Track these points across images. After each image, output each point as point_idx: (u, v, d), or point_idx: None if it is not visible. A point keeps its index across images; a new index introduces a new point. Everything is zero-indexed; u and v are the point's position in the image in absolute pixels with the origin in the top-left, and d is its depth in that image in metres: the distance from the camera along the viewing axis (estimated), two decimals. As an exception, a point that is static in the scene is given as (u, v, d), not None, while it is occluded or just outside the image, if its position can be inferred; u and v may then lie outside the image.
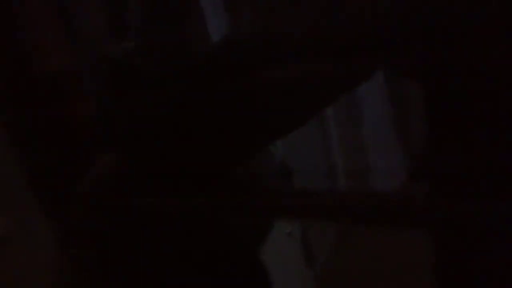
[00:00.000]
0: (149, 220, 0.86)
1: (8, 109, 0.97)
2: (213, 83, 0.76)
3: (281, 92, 0.73)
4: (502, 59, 0.64)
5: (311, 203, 0.75)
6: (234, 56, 0.75)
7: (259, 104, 0.74)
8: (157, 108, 0.82)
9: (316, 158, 2.56)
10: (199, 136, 0.78)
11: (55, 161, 0.97)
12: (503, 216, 0.63)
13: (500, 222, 0.63)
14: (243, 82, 0.73)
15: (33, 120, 0.97)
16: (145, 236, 0.87)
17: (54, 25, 0.97)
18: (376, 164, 2.57)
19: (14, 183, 1.04)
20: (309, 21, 0.70)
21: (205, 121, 0.77)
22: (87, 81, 0.99)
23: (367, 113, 2.58)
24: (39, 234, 1.03)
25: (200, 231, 0.91)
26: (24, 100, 0.96)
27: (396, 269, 2.26)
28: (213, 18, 1.51)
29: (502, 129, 0.65)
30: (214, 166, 0.83)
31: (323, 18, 0.69)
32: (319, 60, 0.69)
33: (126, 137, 0.84)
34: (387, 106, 2.59)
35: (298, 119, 0.78)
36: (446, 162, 0.70)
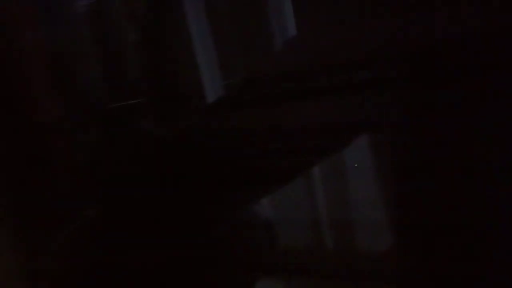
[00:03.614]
0: (128, 270, 0.84)
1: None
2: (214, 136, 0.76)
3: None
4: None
5: (295, 262, 0.74)
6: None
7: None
8: (146, 163, 0.82)
9: (301, 212, 2.53)
10: (189, 189, 0.78)
11: (38, 206, 0.96)
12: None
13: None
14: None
15: (19, 163, 0.96)
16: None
17: (48, 76, 0.98)
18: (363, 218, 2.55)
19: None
20: None
21: (196, 175, 0.77)
22: (78, 132, 0.99)
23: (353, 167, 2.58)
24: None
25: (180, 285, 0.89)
26: (12, 141, 0.95)
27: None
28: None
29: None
30: (198, 219, 0.82)
31: None
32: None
33: (111, 191, 0.84)
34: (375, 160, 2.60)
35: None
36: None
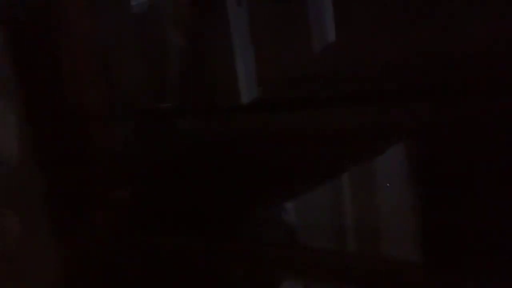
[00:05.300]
0: (154, 257, 0.87)
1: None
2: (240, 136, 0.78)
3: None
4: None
5: (315, 262, 0.75)
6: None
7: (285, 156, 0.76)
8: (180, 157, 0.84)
9: (325, 217, 2.51)
10: (216, 186, 0.80)
11: (72, 188, 0.99)
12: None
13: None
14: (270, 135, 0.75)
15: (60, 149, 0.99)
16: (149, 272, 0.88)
17: (96, 71, 1.01)
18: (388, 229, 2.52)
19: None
20: None
21: (223, 171, 0.79)
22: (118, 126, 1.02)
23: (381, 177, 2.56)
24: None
25: (200, 278, 0.91)
26: (57, 131, 0.99)
27: None
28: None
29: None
30: (223, 211, 0.83)
31: None
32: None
33: (144, 177, 0.86)
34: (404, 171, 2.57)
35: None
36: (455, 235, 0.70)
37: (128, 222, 0.88)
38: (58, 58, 0.96)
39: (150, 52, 0.95)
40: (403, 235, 0.80)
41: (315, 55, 0.79)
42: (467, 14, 0.65)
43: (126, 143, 0.98)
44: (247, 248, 0.83)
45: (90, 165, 0.97)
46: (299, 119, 0.76)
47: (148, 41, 0.96)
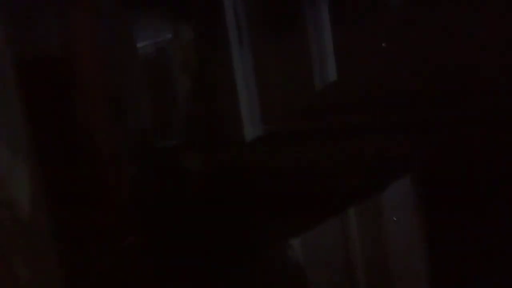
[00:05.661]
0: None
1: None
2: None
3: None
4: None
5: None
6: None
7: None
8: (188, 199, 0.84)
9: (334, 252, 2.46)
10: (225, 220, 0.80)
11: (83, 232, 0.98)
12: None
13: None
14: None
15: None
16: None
17: (106, 113, 1.02)
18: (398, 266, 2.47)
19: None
20: None
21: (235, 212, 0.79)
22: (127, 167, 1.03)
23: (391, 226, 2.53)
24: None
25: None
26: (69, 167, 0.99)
27: None
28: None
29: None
30: (230, 255, 0.83)
31: None
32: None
33: (153, 222, 0.86)
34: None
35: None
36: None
37: (139, 269, 0.87)
38: (71, 104, 0.98)
39: (159, 93, 0.97)
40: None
41: (316, 91, 0.79)
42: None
43: (138, 185, 0.99)
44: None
45: (102, 208, 0.97)
46: (303, 152, 0.76)
47: (156, 83, 0.98)
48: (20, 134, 0.97)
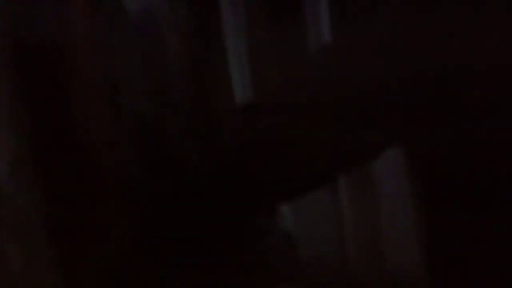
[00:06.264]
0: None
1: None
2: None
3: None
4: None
5: (316, 275, 0.74)
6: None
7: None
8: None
9: (325, 230, 2.51)
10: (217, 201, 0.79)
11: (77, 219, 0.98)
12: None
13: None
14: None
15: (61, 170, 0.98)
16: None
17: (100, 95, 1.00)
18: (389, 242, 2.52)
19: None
20: None
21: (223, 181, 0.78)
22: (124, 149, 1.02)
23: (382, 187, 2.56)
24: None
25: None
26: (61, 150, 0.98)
27: None
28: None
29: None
30: (220, 224, 0.82)
31: None
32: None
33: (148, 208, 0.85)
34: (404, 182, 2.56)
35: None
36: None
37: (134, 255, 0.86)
38: (64, 84, 0.95)
39: (150, 59, 0.95)
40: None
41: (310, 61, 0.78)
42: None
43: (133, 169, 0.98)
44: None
45: (95, 193, 0.96)
46: (293, 123, 0.74)
47: (147, 49, 0.96)
48: (9, 115, 0.95)
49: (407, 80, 0.66)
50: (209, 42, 0.93)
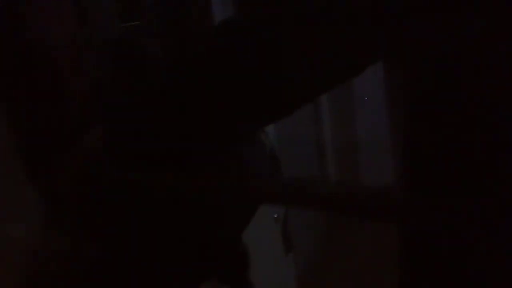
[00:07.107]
0: (134, 197, 0.85)
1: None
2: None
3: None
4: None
5: (298, 191, 0.75)
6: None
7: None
8: (153, 85, 0.81)
9: (308, 150, 2.56)
10: (193, 112, 0.78)
11: (45, 132, 0.96)
12: (481, 216, 0.62)
13: (478, 222, 0.63)
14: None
15: (26, 90, 0.96)
16: (129, 212, 0.86)
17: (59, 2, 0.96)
18: (368, 160, 2.57)
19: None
20: None
21: (200, 97, 0.77)
22: (86, 57, 0.99)
23: (362, 108, 2.58)
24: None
25: (183, 210, 0.91)
26: (19, 69, 0.95)
27: (373, 265, 2.26)
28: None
29: (493, 131, 0.64)
30: (203, 144, 0.82)
31: None
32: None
33: (119, 112, 0.84)
34: (383, 102, 2.59)
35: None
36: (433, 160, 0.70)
37: (105, 160, 0.85)
38: None
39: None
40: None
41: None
42: None
43: (99, 75, 0.96)
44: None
45: (61, 102, 0.95)
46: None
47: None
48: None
49: None
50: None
